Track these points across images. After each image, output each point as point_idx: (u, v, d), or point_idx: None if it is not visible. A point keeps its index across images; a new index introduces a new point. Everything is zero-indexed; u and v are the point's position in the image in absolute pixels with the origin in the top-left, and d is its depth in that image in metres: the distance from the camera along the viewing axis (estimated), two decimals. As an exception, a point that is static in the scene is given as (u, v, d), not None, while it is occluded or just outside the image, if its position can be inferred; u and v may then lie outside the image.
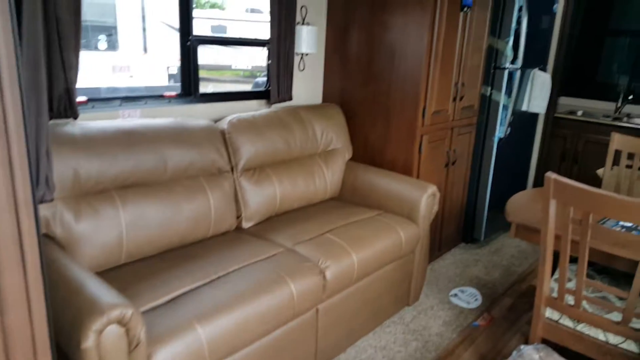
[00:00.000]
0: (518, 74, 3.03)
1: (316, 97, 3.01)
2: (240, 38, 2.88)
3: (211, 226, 2.11)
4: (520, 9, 2.88)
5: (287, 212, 2.47)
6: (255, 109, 2.63)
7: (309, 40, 2.67)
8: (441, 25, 2.51)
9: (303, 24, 2.73)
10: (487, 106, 3.09)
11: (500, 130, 3.10)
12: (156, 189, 1.94)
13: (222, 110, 2.48)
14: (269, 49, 2.55)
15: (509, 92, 3.06)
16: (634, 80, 4.02)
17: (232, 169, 2.26)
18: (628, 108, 3.92)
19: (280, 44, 2.54)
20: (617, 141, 2.50)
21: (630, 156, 2.47)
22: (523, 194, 2.28)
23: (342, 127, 2.78)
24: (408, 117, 2.62)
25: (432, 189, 2.44)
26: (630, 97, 3.77)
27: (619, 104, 3.88)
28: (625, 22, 4.02)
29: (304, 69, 2.86)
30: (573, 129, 3.66)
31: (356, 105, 2.85)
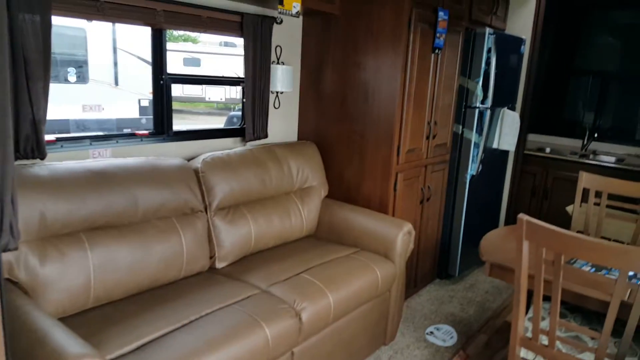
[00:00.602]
0: (488, 112, 3.13)
1: (292, 135, 3.03)
2: (215, 77, 2.89)
3: (183, 267, 2.06)
4: (489, 50, 3.00)
5: (263, 251, 2.43)
6: (230, 147, 2.61)
7: (284, 79, 2.71)
8: (413, 66, 2.58)
9: (278, 63, 2.77)
10: (459, 144, 3.17)
11: (472, 168, 3.17)
12: (127, 230, 1.88)
13: (196, 149, 2.46)
14: (244, 88, 2.57)
15: (480, 131, 3.15)
16: (598, 118, 4.20)
17: (205, 208, 2.22)
18: (594, 145, 4.07)
19: (256, 83, 2.56)
20: (586, 180, 2.58)
21: (598, 194, 2.55)
22: (496, 232, 2.31)
23: (317, 165, 2.79)
24: (383, 155, 2.65)
25: (408, 227, 2.45)
26: (596, 134, 3.92)
27: (585, 141, 4.03)
28: (587, 62, 4.23)
29: (279, 107, 2.88)
30: (542, 165, 3.78)
31: (331, 143, 2.88)
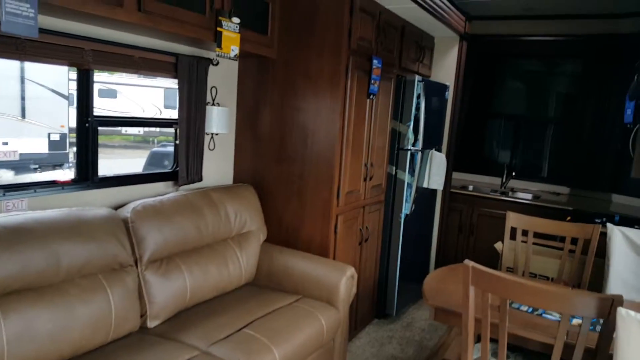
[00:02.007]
0: (419, 154, 3.25)
1: (227, 178, 2.92)
2: (146, 118, 2.74)
3: (111, 330, 1.84)
4: (418, 96, 3.15)
5: (200, 304, 2.27)
6: (162, 192, 2.45)
7: (219, 120, 2.62)
8: (351, 110, 2.63)
9: (213, 104, 2.68)
10: (393, 184, 3.24)
11: (406, 207, 3.25)
12: (47, 292, 1.66)
13: (125, 196, 2.27)
14: (177, 130, 2.44)
15: (412, 171, 3.25)
16: (514, 157, 4.55)
17: (136, 262, 2.03)
18: (511, 182, 4.39)
19: (190, 124, 2.45)
20: (513, 219, 2.73)
21: (525, 232, 2.71)
22: (436, 275, 2.35)
23: (256, 208, 2.70)
24: (323, 197, 2.63)
25: (350, 271, 2.42)
26: (513, 173, 4.23)
27: (504, 179, 4.33)
28: (501, 106, 4.60)
29: (214, 149, 2.78)
30: (467, 203, 3.98)
31: (270, 185, 2.81)
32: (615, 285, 2.51)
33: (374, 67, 2.75)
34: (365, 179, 2.89)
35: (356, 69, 2.62)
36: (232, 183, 2.94)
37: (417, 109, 3.17)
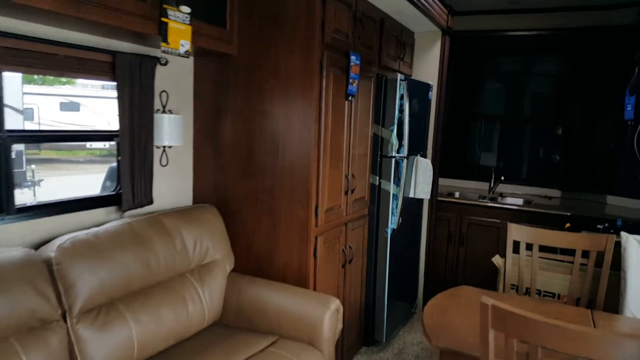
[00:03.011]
0: (405, 162, 2.91)
1: (185, 198, 2.50)
2: (77, 131, 2.28)
3: (27, 410, 1.40)
4: (401, 97, 2.81)
5: (153, 357, 1.84)
6: (101, 220, 2.01)
7: (171, 130, 2.21)
8: (328, 114, 2.26)
9: (164, 112, 2.27)
10: (377, 196, 2.88)
11: (392, 221, 2.89)
12: None
13: (53, 229, 1.83)
14: (118, 143, 2.02)
15: (397, 181, 2.90)
16: (500, 160, 4.27)
17: (64, 315, 1.60)
18: (500, 187, 4.10)
19: (134, 137, 2.03)
20: (515, 232, 2.41)
21: (529, 246, 2.39)
22: (435, 304, 1.99)
23: (220, 233, 2.29)
24: (299, 217, 2.24)
25: (335, 304, 2.04)
26: (502, 177, 3.94)
27: (492, 184, 4.04)
28: (486, 107, 4.32)
29: (167, 165, 2.36)
30: (455, 211, 3.66)
31: (236, 205, 2.40)
32: (633, 300, 2.21)
33: (351, 64, 2.39)
34: (346, 193, 2.52)
35: (332, 67, 2.25)
36: (192, 204, 2.51)
37: (401, 111, 2.83)
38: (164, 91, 2.27)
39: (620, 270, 2.32)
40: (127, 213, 2.11)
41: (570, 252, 2.60)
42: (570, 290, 2.30)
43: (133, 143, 2.02)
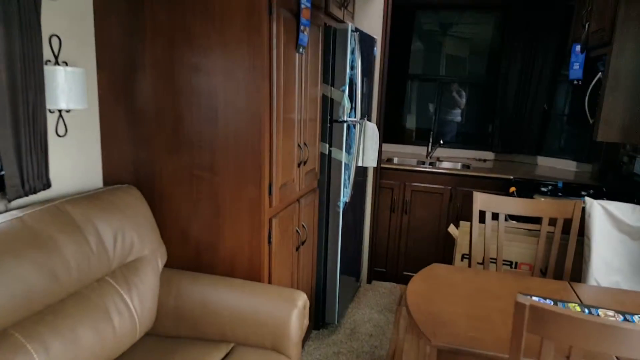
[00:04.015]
0: (358, 127, 2.59)
1: (93, 178, 1.95)
2: None
3: None
4: (352, 51, 2.45)
5: (66, 397, 1.37)
6: (-22, 214, 1.44)
7: (69, 89, 1.64)
8: (279, 69, 1.83)
9: (57, 63, 1.69)
10: (327, 167, 2.55)
11: (344, 194, 2.59)
12: None
13: None
14: (-3, 107, 1.43)
15: (348, 149, 2.59)
16: (436, 124, 4.14)
17: None
18: (436, 151, 3.98)
19: (17, 98, 1.46)
20: (481, 201, 2.23)
21: (495, 216, 2.23)
22: (417, 289, 1.73)
23: (146, 221, 1.80)
24: (249, 196, 1.83)
25: (302, 299, 1.70)
26: (441, 142, 3.80)
27: (429, 149, 3.90)
28: (423, 67, 4.12)
29: (65, 134, 1.79)
30: (398, 179, 3.46)
31: (165, 185, 1.92)
32: (597, 268, 2.16)
33: (302, 6, 1.97)
34: (299, 165, 2.15)
35: (282, 8, 1.82)
36: (103, 186, 1.98)
37: (352, 68, 2.48)
38: (55, 35, 1.67)
39: (583, 237, 2.25)
40: (15, 203, 1.54)
41: (528, 219, 2.52)
42: (536, 260, 2.20)
43: (16, 106, 1.44)
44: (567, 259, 2.14)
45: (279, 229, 1.96)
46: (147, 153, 1.92)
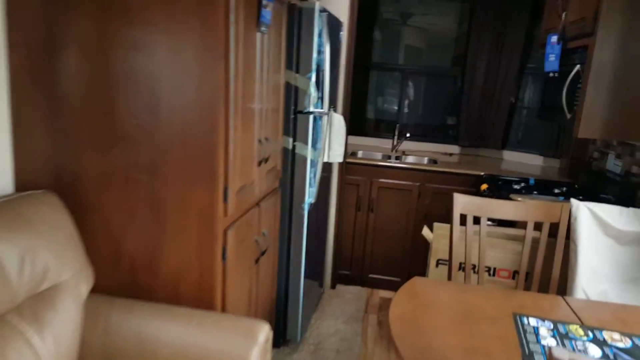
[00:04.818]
0: (325, 119, 2.30)
1: (1, 182, 1.55)
2: None
3: None
4: (320, 34, 2.15)
5: None
6: None
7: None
8: (238, 49, 1.50)
9: (-53, 33, 1.28)
10: (290, 164, 2.25)
11: (310, 194, 2.30)
12: None
13: None
14: None
15: (314, 143, 2.29)
16: (401, 116, 3.92)
17: None
18: (402, 145, 3.77)
19: None
20: (461, 204, 2.01)
21: (477, 220, 2.02)
22: (401, 313, 1.48)
23: (66, 236, 1.43)
24: (199, 204, 1.50)
25: (264, 332, 1.40)
26: (408, 135, 3.59)
27: (395, 142, 3.68)
28: (386, 56, 3.88)
29: (-38, 127, 1.38)
30: (364, 174, 3.21)
31: (92, 190, 1.55)
32: (585, 276, 2.00)
33: (265, -24, 1.64)
34: (260, 163, 1.83)
35: (241, -25, 1.48)
36: (15, 191, 1.58)
37: (319, 53, 2.18)
38: (-64, -6, 1.26)
39: (570, 241, 2.09)
40: None
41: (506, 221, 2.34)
42: (521, 268, 2.01)
43: None
44: (554, 266, 1.97)
45: (235, 241, 1.64)
46: (71, 150, 1.53)
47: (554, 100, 2.69)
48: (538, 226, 2.02)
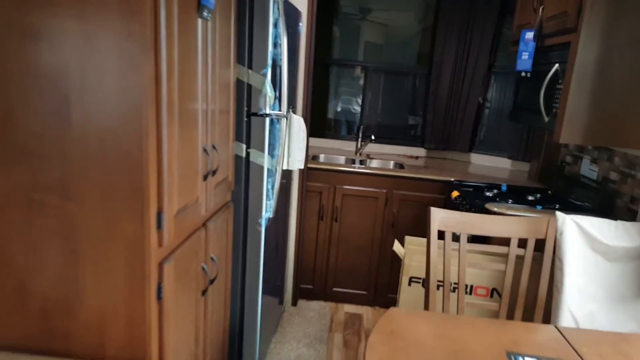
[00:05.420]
0: (285, 121, 2.02)
1: None
2: None
3: None
4: (276, 24, 1.87)
5: None
6: None
7: None
8: (172, 40, 1.20)
9: None
10: (245, 174, 1.95)
11: (268, 208, 2.02)
12: None
13: None
14: None
15: (272, 150, 2.01)
16: (364, 117, 3.70)
17: None
18: (366, 147, 3.55)
19: None
20: (439, 219, 1.79)
21: (456, 237, 1.81)
22: (379, 352, 1.23)
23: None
24: (125, 235, 1.19)
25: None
26: (373, 137, 3.36)
27: (359, 144, 3.44)
28: (347, 52, 3.64)
29: None
30: (326, 180, 2.96)
31: (-15, 215, 1.21)
32: (571, 295, 1.83)
33: (208, -50, 1.35)
34: (206, 177, 1.53)
35: (175, -55, 1.18)
36: None
37: (276, 46, 1.90)
38: None
39: (555, 258, 1.91)
40: None
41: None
42: (505, 285, 1.81)
43: None
44: (540, 287, 1.79)
45: (175, 275, 1.34)
46: (-46, 165, 1.18)
47: (528, 101, 2.53)
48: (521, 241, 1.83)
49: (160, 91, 1.16)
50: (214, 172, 1.59)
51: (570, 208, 2.39)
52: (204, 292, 1.60)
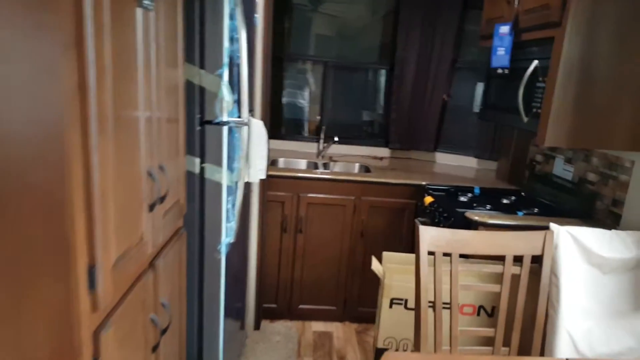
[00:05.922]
0: (245, 130, 1.73)
1: None
2: None
3: None
4: (232, 15, 1.57)
5: None
6: None
7: None
8: (101, 35, 0.89)
9: None
10: (199, 193, 1.65)
11: (228, 232, 1.72)
12: None
13: None
14: None
15: (231, 163, 1.72)
16: (325, 116, 3.45)
17: None
18: (327, 149, 3.31)
19: None
20: (428, 239, 1.57)
21: (447, 255, 1.61)
22: None
23: None
24: (44, 301, 0.87)
25: None
26: (336, 138, 3.12)
27: (320, 146, 3.19)
28: (304, 47, 3.37)
29: None
30: (288, 188, 2.69)
31: None
32: (568, 313, 1.68)
33: None
34: (152, 207, 1.21)
35: None
36: None
37: (233, 40, 1.60)
38: None
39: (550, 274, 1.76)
40: None
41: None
42: (501, 307, 1.64)
43: None
44: (539, 306, 1.62)
45: (117, 341, 1.03)
46: None
47: (503, 100, 2.39)
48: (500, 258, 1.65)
49: (87, 104, 0.85)
50: (162, 199, 1.28)
51: (550, 211, 2.28)
52: (154, 349, 1.30)
